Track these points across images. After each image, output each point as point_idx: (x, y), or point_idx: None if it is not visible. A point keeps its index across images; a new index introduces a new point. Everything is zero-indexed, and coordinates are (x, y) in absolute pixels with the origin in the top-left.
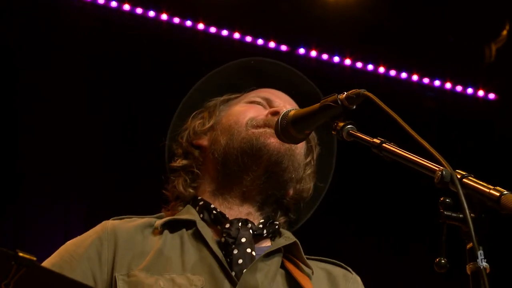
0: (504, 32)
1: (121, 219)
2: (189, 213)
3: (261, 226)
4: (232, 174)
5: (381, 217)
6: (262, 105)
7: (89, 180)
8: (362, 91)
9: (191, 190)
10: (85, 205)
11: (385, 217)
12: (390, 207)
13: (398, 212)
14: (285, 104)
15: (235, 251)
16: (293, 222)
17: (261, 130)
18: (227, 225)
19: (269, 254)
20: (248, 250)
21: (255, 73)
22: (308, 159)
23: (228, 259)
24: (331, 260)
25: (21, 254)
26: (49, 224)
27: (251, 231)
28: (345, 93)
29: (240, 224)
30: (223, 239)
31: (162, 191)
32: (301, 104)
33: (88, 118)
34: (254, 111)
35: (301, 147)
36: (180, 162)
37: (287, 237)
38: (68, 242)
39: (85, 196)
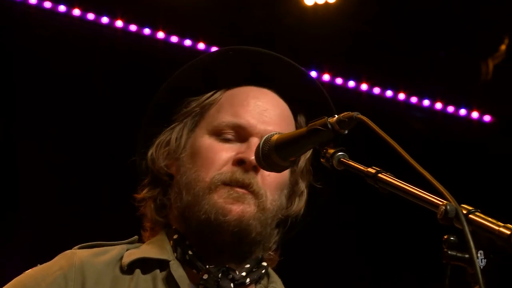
0: (503, 47)
1: (90, 247)
2: (162, 246)
3: (244, 274)
4: (197, 234)
5: (376, 255)
6: (233, 140)
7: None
8: (356, 114)
9: (160, 219)
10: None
11: (380, 255)
12: (386, 244)
13: (395, 249)
14: (263, 126)
15: None
16: (293, 226)
17: (225, 195)
18: (205, 276)
19: None
20: None
21: (236, 65)
22: (298, 173)
23: None
24: None
25: None
26: None
27: (232, 284)
28: (336, 116)
29: (220, 274)
30: None
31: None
32: (291, 99)
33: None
34: (221, 157)
35: (280, 178)
36: (147, 193)
37: None
38: (26, 273)
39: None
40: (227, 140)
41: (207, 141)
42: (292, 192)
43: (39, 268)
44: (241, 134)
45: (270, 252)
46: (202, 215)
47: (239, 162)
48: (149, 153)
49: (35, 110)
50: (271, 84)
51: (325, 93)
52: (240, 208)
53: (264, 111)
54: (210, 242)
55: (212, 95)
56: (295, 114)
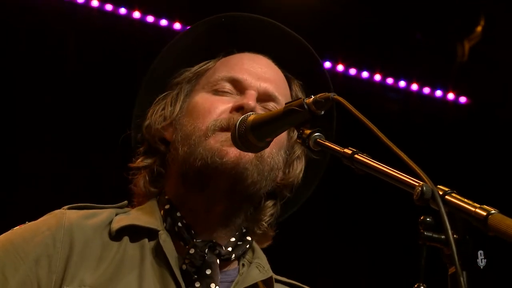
0: (479, 28)
1: (79, 208)
2: (152, 215)
3: (230, 249)
4: (193, 189)
5: (351, 235)
6: (229, 93)
7: None
8: (332, 95)
9: (153, 189)
10: None
11: (356, 235)
12: (362, 225)
13: (370, 230)
14: (259, 82)
15: (198, 284)
16: (290, 202)
17: (223, 138)
18: (192, 251)
19: None
20: (212, 285)
21: (229, 33)
22: (294, 138)
23: None
24: (303, 286)
25: None
26: None
27: (218, 261)
28: (313, 96)
29: (206, 250)
30: (184, 266)
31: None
32: (286, 66)
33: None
34: (219, 107)
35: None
36: (142, 162)
37: (260, 265)
38: (14, 230)
39: None
40: (224, 93)
41: (204, 96)
42: (289, 158)
43: (27, 226)
44: (238, 87)
45: (263, 223)
46: (199, 161)
47: (238, 109)
48: (145, 122)
49: (9, 91)
50: (265, 52)
51: (319, 61)
52: (238, 151)
53: (259, 69)
54: (205, 191)
55: (206, 63)
56: (289, 81)
